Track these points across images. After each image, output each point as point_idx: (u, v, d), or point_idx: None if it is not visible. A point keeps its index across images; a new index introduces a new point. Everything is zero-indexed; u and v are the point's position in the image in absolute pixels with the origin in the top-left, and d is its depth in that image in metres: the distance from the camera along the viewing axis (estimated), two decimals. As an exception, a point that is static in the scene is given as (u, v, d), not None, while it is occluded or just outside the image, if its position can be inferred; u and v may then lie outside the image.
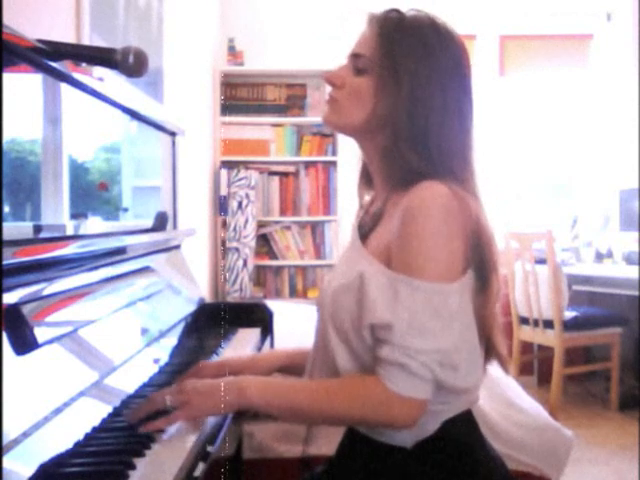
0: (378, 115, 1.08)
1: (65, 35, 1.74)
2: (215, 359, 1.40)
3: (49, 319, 1.00)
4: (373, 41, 1.09)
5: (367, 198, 1.24)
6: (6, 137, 0.94)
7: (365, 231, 1.14)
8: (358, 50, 1.11)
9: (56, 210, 1.12)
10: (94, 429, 0.95)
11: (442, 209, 1.00)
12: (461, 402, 1.07)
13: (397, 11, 1.11)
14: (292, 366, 1.30)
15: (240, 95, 4.20)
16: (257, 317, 1.80)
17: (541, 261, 3.62)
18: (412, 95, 1.06)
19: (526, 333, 3.79)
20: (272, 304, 1.89)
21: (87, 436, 0.92)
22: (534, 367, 4.22)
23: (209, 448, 0.99)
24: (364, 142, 1.15)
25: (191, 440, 0.94)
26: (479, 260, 1.05)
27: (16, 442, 0.79)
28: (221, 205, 4.01)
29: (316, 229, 4.21)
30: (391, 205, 1.08)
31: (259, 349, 1.62)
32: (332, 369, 1.09)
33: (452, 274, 1.00)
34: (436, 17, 1.12)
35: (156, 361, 1.32)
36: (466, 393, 1.06)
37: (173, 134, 1.84)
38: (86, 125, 1.27)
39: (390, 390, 0.98)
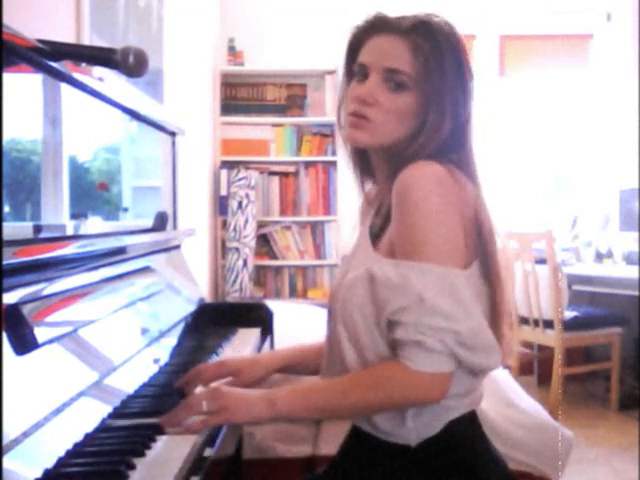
0: (421, 130, 1.07)
1: (65, 35, 1.74)
2: (215, 359, 1.40)
3: (49, 319, 1.00)
4: (408, 55, 1.06)
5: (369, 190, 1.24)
6: (6, 137, 0.94)
7: (376, 231, 1.14)
8: (394, 65, 1.07)
9: (56, 210, 1.12)
10: (94, 429, 0.95)
11: (433, 182, 1.00)
12: (466, 402, 1.08)
13: (422, 21, 1.08)
14: (293, 366, 1.30)
15: (240, 95, 4.20)
16: (257, 317, 1.80)
17: (541, 261, 3.61)
18: (454, 107, 1.07)
19: (526, 333, 3.78)
20: (272, 304, 1.88)
21: (87, 436, 0.92)
22: (534, 367, 4.22)
23: (209, 448, 0.99)
24: (385, 153, 1.13)
25: (191, 440, 0.94)
26: (482, 251, 1.05)
27: (16, 442, 0.79)
28: (221, 205, 4.01)
29: (316, 229, 4.21)
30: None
31: (259, 349, 1.62)
32: (340, 367, 1.09)
33: (456, 254, 1.01)
34: (449, 21, 1.11)
35: (156, 361, 1.31)
36: (486, 373, 1.07)
37: (173, 134, 1.84)
38: (86, 125, 1.27)
39: (411, 369, 0.99)
